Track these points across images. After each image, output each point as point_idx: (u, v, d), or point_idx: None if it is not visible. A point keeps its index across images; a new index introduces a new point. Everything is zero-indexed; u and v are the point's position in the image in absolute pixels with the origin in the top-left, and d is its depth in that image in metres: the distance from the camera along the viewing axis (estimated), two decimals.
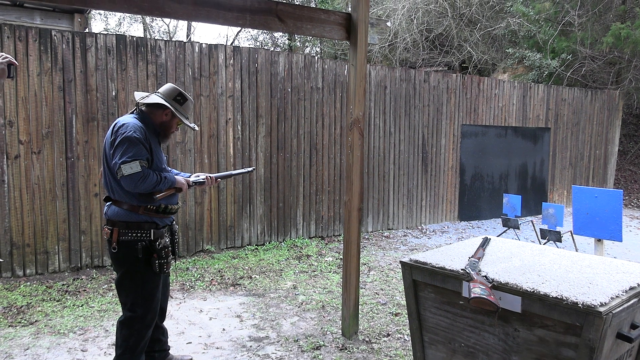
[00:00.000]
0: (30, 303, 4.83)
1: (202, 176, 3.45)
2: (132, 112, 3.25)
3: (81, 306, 4.81)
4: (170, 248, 3.20)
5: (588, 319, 2.09)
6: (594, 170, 11.64)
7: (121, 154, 2.94)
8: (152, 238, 3.06)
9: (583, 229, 5.68)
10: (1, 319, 4.44)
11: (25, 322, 4.41)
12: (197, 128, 3.54)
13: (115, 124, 3.08)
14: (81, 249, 5.80)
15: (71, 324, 4.38)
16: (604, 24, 12.82)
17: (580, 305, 2.10)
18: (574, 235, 6.46)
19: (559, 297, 2.17)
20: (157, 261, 3.08)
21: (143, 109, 3.24)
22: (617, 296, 2.20)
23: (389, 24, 4.60)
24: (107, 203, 3.15)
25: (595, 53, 12.96)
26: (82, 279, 5.56)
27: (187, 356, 3.72)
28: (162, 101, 3.20)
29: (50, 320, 4.47)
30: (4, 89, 5.29)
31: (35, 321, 4.43)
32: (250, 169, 3.85)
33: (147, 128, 3.12)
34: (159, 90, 3.31)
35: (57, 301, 4.92)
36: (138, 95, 3.30)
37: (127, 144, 2.96)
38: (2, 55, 2.78)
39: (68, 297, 5.03)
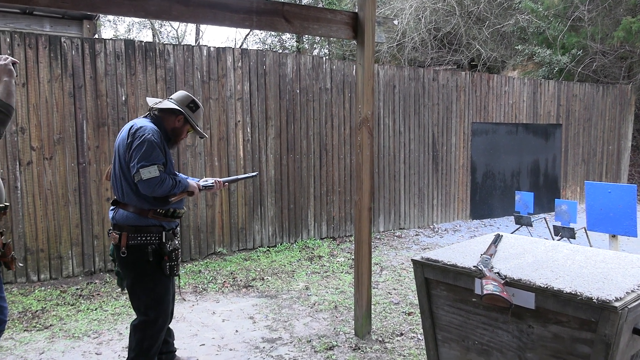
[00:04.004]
0: (45, 307, 4.87)
1: (210, 180, 3.48)
2: (146, 116, 3.26)
3: (95, 310, 4.84)
4: (179, 250, 3.21)
5: (603, 315, 2.06)
6: (607, 166, 11.52)
7: (140, 158, 2.94)
8: (162, 241, 3.07)
9: (597, 225, 5.62)
10: (16, 324, 4.48)
11: (40, 326, 4.45)
12: (206, 136, 3.57)
13: (132, 126, 3.07)
14: (94, 254, 5.83)
15: (85, 328, 4.40)
16: (614, 18, 12.69)
17: (595, 300, 2.07)
18: (587, 232, 6.39)
19: (573, 292, 2.15)
20: (167, 264, 3.08)
21: (156, 113, 3.26)
22: (632, 291, 2.16)
23: (396, 22, 4.59)
24: (112, 207, 3.16)
25: (606, 48, 12.83)
26: (95, 283, 5.59)
27: (193, 357, 3.73)
28: (176, 107, 3.22)
29: (64, 324, 4.50)
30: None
31: (50, 325, 4.47)
32: (254, 173, 3.92)
33: (160, 132, 3.14)
34: (172, 97, 3.33)
35: (72, 305, 4.95)
36: (151, 101, 3.31)
37: (146, 147, 2.96)
38: (3, 57, 2.83)
39: (82, 301, 5.06)
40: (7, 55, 2.88)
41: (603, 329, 2.06)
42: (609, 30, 12.45)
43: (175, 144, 3.34)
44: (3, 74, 2.79)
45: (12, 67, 2.83)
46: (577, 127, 10.82)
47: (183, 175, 3.39)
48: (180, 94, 3.34)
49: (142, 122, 3.12)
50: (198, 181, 3.44)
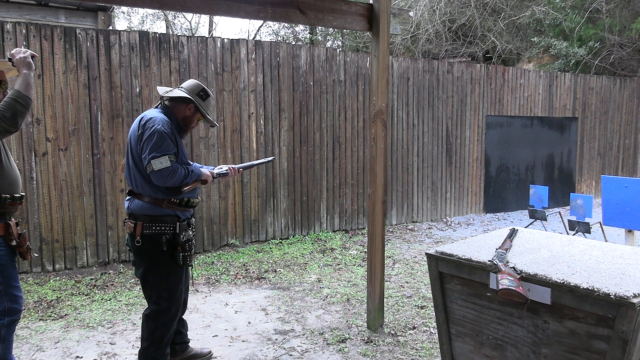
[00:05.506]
0: (60, 297, 4.92)
1: (225, 168, 3.48)
2: (157, 107, 3.27)
3: (109, 300, 4.88)
4: (193, 241, 3.22)
5: (621, 311, 2.03)
6: (624, 160, 11.38)
7: (150, 149, 2.96)
8: (176, 231, 3.09)
9: (613, 219, 5.54)
10: (32, 313, 4.53)
11: (56, 315, 4.50)
12: (217, 124, 3.56)
13: (142, 117, 3.09)
14: (108, 244, 5.88)
15: (100, 318, 4.45)
16: (632, 9, 12.48)
17: (612, 296, 2.05)
18: (603, 227, 6.32)
19: (590, 288, 2.12)
20: (181, 254, 3.10)
21: (166, 103, 3.26)
22: None
23: (411, 13, 4.55)
24: (128, 197, 3.18)
25: (624, 40, 12.64)
26: (109, 273, 5.64)
27: (206, 349, 3.74)
28: (187, 95, 3.22)
29: (79, 314, 4.54)
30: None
31: (65, 315, 4.51)
32: (270, 158, 3.89)
33: (171, 122, 3.15)
34: (182, 85, 3.33)
35: (86, 295, 5.00)
36: (161, 90, 3.32)
37: (156, 138, 2.97)
38: (22, 49, 2.86)
39: (96, 291, 5.11)
40: (26, 49, 2.90)
41: (620, 325, 2.04)
42: (627, 22, 12.25)
43: (186, 132, 3.35)
44: (22, 66, 2.83)
45: (31, 60, 2.87)
46: (593, 120, 10.69)
47: (197, 165, 3.39)
48: (190, 82, 3.34)
49: (152, 113, 3.13)
50: (212, 169, 3.45)
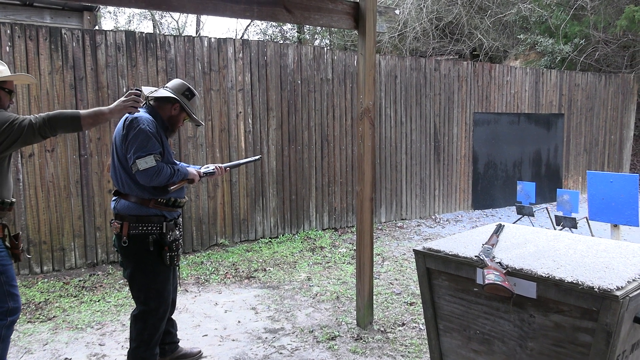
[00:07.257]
0: (48, 299, 4.89)
1: (211, 167, 3.49)
2: (142, 107, 3.26)
3: (98, 301, 4.86)
4: (180, 241, 3.22)
5: (604, 304, 2.06)
6: (609, 156, 11.50)
7: (135, 149, 2.96)
8: (163, 231, 3.08)
9: (599, 214, 5.61)
10: (20, 315, 4.49)
11: (44, 317, 4.47)
12: (202, 124, 3.56)
13: (127, 117, 3.08)
14: (97, 245, 5.85)
15: (88, 319, 4.43)
16: (617, 6, 12.61)
17: (596, 289, 2.07)
18: (589, 221, 6.39)
19: (574, 281, 2.14)
20: (168, 254, 3.09)
21: (152, 103, 3.26)
22: (634, 280, 2.16)
23: (397, 12, 4.57)
24: (114, 197, 3.17)
25: (608, 37, 12.76)
26: (98, 274, 5.61)
27: (196, 348, 3.74)
28: (172, 95, 3.22)
29: (68, 315, 4.52)
30: (16, 88, 5.32)
31: (54, 317, 4.49)
32: (257, 157, 3.89)
33: (156, 122, 3.14)
34: (167, 85, 3.32)
35: (75, 297, 4.97)
36: (147, 90, 3.31)
37: (141, 138, 2.97)
38: (139, 101, 2.91)
39: (85, 293, 5.08)
40: (139, 97, 2.90)
41: (604, 318, 2.06)
42: (611, 19, 12.37)
43: (172, 132, 3.35)
44: (116, 106, 2.85)
45: (123, 108, 2.86)
46: (579, 116, 10.79)
47: (183, 164, 3.39)
48: (175, 82, 3.33)
49: (137, 113, 3.12)
50: (199, 169, 3.45)
